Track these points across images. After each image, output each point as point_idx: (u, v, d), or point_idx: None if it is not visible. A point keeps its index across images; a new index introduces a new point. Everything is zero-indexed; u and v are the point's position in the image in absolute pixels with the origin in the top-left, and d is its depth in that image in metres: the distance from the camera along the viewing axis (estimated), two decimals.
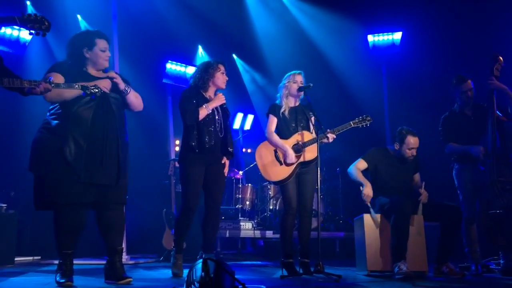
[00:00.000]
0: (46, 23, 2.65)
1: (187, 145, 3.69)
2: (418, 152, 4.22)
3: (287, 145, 3.90)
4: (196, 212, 3.81)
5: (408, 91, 6.87)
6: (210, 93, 3.84)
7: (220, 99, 3.78)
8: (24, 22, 2.60)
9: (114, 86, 3.22)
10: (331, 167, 6.88)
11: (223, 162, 3.82)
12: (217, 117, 3.78)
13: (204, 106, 3.70)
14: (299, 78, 4.03)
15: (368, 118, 3.97)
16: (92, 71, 3.24)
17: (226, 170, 3.84)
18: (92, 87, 2.95)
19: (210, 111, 3.72)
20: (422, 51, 6.79)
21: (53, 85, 2.82)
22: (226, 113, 3.89)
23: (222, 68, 3.87)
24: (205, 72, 3.82)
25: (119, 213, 3.24)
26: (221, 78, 3.84)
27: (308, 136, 3.93)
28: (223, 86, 3.87)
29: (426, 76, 6.67)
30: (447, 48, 6.65)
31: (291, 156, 3.85)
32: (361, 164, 4.23)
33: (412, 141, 4.11)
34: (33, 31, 2.63)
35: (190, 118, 3.67)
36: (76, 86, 2.91)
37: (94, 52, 3.20)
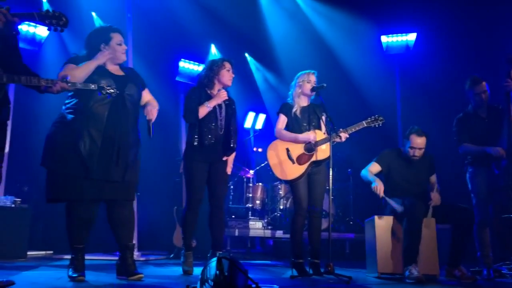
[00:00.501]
0: (64, 19, 2.68)
1: (189, 142, 3.75)
2: (432, 153, 4.18)
3: (301, 135, 3.91)
4: (205, 210, 3.82)
5: (421, 93, 6.81)
6: (215, 90, 3.86)
7: (221, 97, 3.77)
8: (43, 18, 2.62)
9: (132, 82, 3.25)
10: (343, 168, 6.84)
11: (224, 159, 3.81)
12: (219, 114, 3.79)
13: (205, 104, 3.71)
14: (313, 78, 4.02)
15: (381, 118, 3.95)
16: (110, 66, 3.26)
17: (228, 168, 3.85)
18: (108, 88, 2.98)
19: (211, 109, 3.72)
20: (437, 53, 6.72)
21: (69, 84, 2.84)
22: (231, 110, 3.89)
23: (227, 65, 3.87)
24: (210, 70, 3.84)
25: (129, 209, 3.26)
26: (226, 75, 3.84)
27: (320, 135, 3.92)
28: (228, 83, 3.87)
29: (440, 79, 6.61)
30: (462, 50, 6.57)
31: (308, 135, 3.84)
32: (375, 167, 4.20)
33: (415, 140, 4.06)
34: (51, 27, 2.65)
35: (189, 117, 3.72)
36: (92, 86, 2.92)
37: (111, 46, 3.21)
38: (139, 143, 3.32)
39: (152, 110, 3.28)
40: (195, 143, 3.70)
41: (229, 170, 3.87)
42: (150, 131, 3.20)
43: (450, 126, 4.32)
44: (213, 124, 3.75)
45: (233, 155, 3.93)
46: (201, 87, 3.86)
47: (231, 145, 3.81)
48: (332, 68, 7.19)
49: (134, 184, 3.27)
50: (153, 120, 3.26)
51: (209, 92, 3.84)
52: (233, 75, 3.89)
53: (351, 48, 7.34)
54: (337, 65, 7.40)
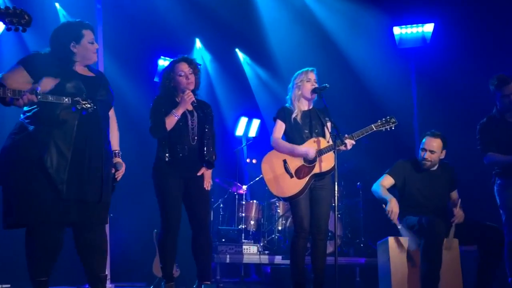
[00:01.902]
0: (27, 17, 2.66)
1: (159, 158, 3.77)
2: (452, 163, 4.24)
3: (300, 147, 3.95)
4: (187, 233, 3.83)
5: (441, 93, 6.85)
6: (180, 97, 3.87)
7: (187, 100, 3.75)
8: (2, 16, 2.61)
9: (104, 86, 3.27)
10: (351, 181, 6.89)
11: (199, 174, 3.82)
12: (190, 122, 3.81)
13: (171, 113, 3.74)
14: (313, 76, 4.08)
15: (393, 120, 4.01)
16: (78, 68, 3.26)
17: (206, 183, 3.85)
18: (84, 102, 2.98)
19: (179, 117, 3.75)
20: (458, 47, 6.75)
21: (39, 96, 2.81)
22: (203, 114, 3.90)
23: (182, 67, 3.85)
24: (167, 75, 3.88)
25: (101, 234, 3.24)
26: (182, 81, 3.83)
27: (324, 143, 3.96)
28: (189, 87, 3.84)
29: (462, 77, 6.60)
30: (488, 43, 6.62)
31: (308, 150, 3.88)
32: (387, 180, 4.26)
33: (427, 141, 4.19)
34: (11, 26, 2.64)
35: (156, 131, 3.75)
36: (66, 100, 2.92)
37: (83, 45, 3.18)
38: (111, 156, 3.33)
39: (123, 169, 3.35)
40: (166, 158, 3.74)
41: (207, 185, 3.87)
42: (113, 189, 3.27)
43: (474, 130, 4.39)
44: (184, 135, 3.77)
45: (211, 170, 3.93)
46: (165, 94, 3.88)
47: (205, 157, 3.81)
48: (336, 65, 7.25)
49: (108, 204, 3.27)
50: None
51: (176, 99, 3.86)
52: (191, 78, 3.83)
53: (358, 42, 7.39)
54: (342, 61, 7.46)
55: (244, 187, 6.90)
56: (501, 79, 4.25)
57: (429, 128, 4.39)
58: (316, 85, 4.06)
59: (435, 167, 4.28)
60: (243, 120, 8.17)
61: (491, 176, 4.34)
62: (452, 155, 4.27)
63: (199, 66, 3.98)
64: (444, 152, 4.27)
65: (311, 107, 4.15)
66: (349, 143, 3.84)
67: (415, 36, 6.89)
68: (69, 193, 3.00)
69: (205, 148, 3.82)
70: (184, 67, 3.87)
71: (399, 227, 4.01)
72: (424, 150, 4.20)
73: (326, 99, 3.98)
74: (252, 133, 8.24)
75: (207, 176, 3.87)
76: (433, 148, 4.16)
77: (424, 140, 4.24)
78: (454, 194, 4.30)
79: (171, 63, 3.93)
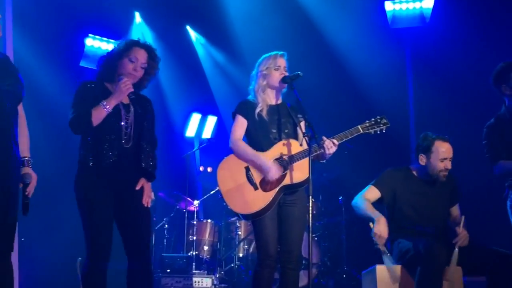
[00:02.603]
0: None
1: (81, 162, 3.68)
2: (454, 173, 4.33)
3: (263, 156, 3.94)
4: (120, 261, 3.79)
5: (442, 84, 6.98)
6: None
7: (122, 90, 3.68)
8: None
9: (10, 72, 3.20)
10: (331, 194, 6.96)
11: (137, 188, 3.76)
12: (124, 118, 3.75)
13: (100, 104, 3.70)
14: (282, 63, 4.08)
15: (384, 121, 4.03)
16: None
17: (146, 198, 3.81)
18: None
19: (110, 111, 3.71)
20: (463, 28, 6.85)
21: None
22: (142, 111, 3.85)
23: (139, 54, 3.79)
24: (114, 56, 3.78)
25: (5, 264, 3.20)
26: (127, 66, 3.77)
27: (296, 147, 3.96)
28: (135, 74, 3.79)
29: (468, 64, 6.72)
30: (499, 23, 6.73)
31: (271, 168, 3.86)
32: (372, 192, 4.31)
33: (444, 148, 4.24)
34: None
35: (77, 125, 3.64)
36: None
37: None
38: (20, 165, 3.29)
39: (33, 182, 3.31)
40: (90, 164, 3.68)
41: (146, 200, 3.83)
42: (27, 209, 3.21)
43: (481, 134, 4.45)
44: (116, 134, 3.74)
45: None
46: (99, 80, 3.82)
47: (143, 165, 3.76)
48: (313, 49, 7.32)
49: (14, 225, 3.22)
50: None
51: (109, 87, 3.81)
52: (140, 64, 3.77)
53: (341, 20, 7.45)
54: (321, 44, 7.53)
55: (196, 202, 6.89)
56: (508, 67, 4.31)
57: (426, 127, 4.47)
58: (287, 73, 4.08)
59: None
60: (195, 118, 8.16)
61: (503, 189, 4.40)
62: (454, 162, 4.34)
63: (158, 64, 3.93)
64: None
65: (279, 101, 4.16)
66: (329, 146, 3.85)
67: (412, 13, 6.96)
68: None
69: (142, 154, 3.79)
70: (141, 56, 3.81)
71: (383, 255, 4.06)
72: (445, 159, 4.24)
73: (300, 91, 3.98)
74: (207, 133, 8.25)
75: (147, 189, 3.83)
76: (451, 155, 4.27)
77: (438, 148, 4.23)
78: (455, 210, 4.40)
79: (125, 42, 3.86)
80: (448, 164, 4.26)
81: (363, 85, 7.37)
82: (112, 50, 3.90)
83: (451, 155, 4.26)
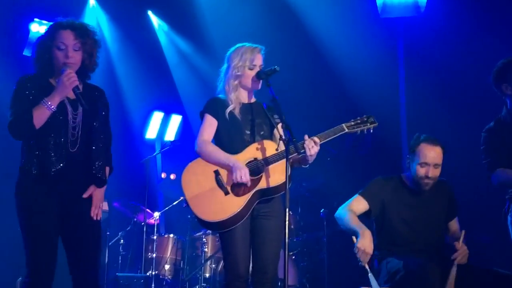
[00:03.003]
0: None
1: (23, 170, 3.65)
2: (451, 182, 4.37)
3: (233, 158, 3.94)
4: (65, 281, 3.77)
5: (437, 80, 7.05)
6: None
7: (65, 85, 3.62)
8: None
9: None
10: (311, 207, 6.97)
11: (85, 196, 3.75)
12: (70, 117, 3.72)
13: (42, 103, 3.66)
14: (258, 58, 4.08)
15: (371, 120, 4.06)
16: None
17: (95, 209, 3.78)
18: None
19: (55, 109, 3.67)
20: (463, 19, 6.91)
21: None
22: (92, 104, 3.81)
23: (64, 36, 3.72)
24: (42, 46, 3.74)
25: None
26: (59, 56, 3.71)
27: (272, 148, 3.97)
28: (72, 62, 3.71)
29: (466, 59, 6.80)
30: (501, 13, 6.83)
31: (240, 168, 3.85)
32: (359, 204, 4.32)
33: (427, 151, 4.22)
34: None
35: (18, 129, 3.60)
36: None
37: None
38: None
39: None
40: (34, 172, 3.64)
41: (95, 212, 3.82)
42: None
43: (479, 138, 4.49)
44: (61, 138, 3.68)
45: (102, 189, 3.87)
46: (41, 75, 3.77)
47: (93, 170, 3.75)
48: (294, 40, 7.34)
49: None
50: None
51: (52, 82, 3.75)
52: (71, 52, 3.69)
53: (325, 8, 7.48)
54: (303, 34, 7.56)
55: (156, 214, 6.86)
56: (508, 65, 4.35)
57: (420, 130, 4.50)
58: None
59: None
60: (157, 117, 8.14)
61: (504, 202, 4.44)
62: (449, 168, 4.38)
63: (94, 37, 3.92)
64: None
65: (253, 99, 4.18)
66: (310, 144, 3.86)
67: (405, 2, 7.01)
68: None
69: (93, 157, 3.76)
70: (67, 38, 3.75)
71: (369, 274, 4.07)
72: (426, 164, 4.22)
73: (277, 88, 3.99)
74: (170, 135, 8.22)
75: (98, 198, 3.80)
76: (436, 160, 4.23)
77: (420, 151, 4.25)
78: (454, 225, 4.44)
79: (49, 29, 3.84)
80: (430, 171, 4.23)
81: (349, 81, 7.41)
82: (37, 40, 3.83)
83: (436, 161, 4.23)
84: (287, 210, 3.68)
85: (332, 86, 7.50)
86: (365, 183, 4.46)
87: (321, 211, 6.84)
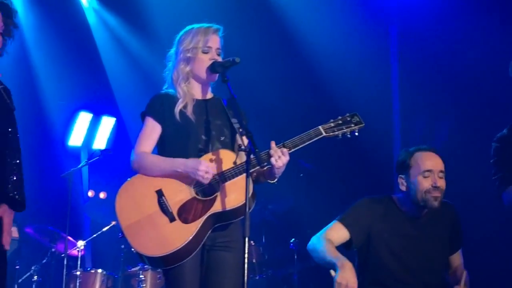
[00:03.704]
0: None
1: None
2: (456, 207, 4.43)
3: (182, 160, 3.92)
4: None
5: (437, 76, 7.13)
6: None
7: None
8: None
9: None
10: (279, 235, 7.00)
11: None
12: None
13: None
14: (215, 43, 4.09)
15: (356, 119, 4.05)
16: None
17: (5, 237, 3.80)
18: None
19: None
20: (468, 2, 7.03)
21: None
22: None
23: None
24: None
25: None
26: None
27: (229, 161, 3.95)
28: None
29: (475, 51, 6.86)
30: None
31: (199, 163, 3.84)
32: (338, 231, 4.32)
33: (426, 158, 4.28)
34: None
35: None
36: None
37: None
38: None
39: None
40: None
41: (6, 241, 3.82)
42: None
43: (488, 148, 4.58)
44: None
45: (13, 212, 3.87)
46: None
47: (7, 190, 3.75)
48: (263, 24, 7.37)
49: None
50: None
51: None
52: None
53: None
54: (274, 17, 7.60)
55: (81, 243, 6.83)
56: None
57: (416, 136, 4.55)
58: (219, 58, 4.10)
59: (426, 210, 4.36)
60: (84, 118, 8.10)
61: None
62: (449, 185, 4.38)
63: (10, 6, 3.88)
64: None
65: (209, 95, 4.20)
66: (276, 154, 3.85)
67: None
68: None
69: (3, 172, 3.75)
70: None
71: None
72: (430, 172, 4.25)
73: (241, 85, 4.01)
74: (100, 142, 8.20)
75: (7, 223, 3.80)
76: (442, 167, 4.28)
77: (421, 160, 4.29)
78: (457, 259, 4.47)
79: None
80: (439, 181, 4.25)
81: (332, 76, 7.48)
82: None
83: (439, 167, 4.28)
84: (246, 240, 3.62)
85: (311, 82, 7.56)
86: (347, 205, 4.45)
87: (291, 241, 6.88)
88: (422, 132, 6.22)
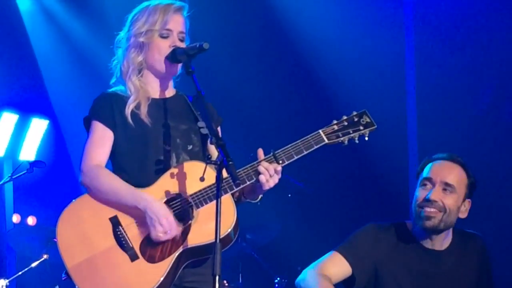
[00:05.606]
0: None
1: None
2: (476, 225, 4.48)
3: (148, 195, 3.90)
4: None
5: (459, 71, 7.28)
6: None
7: None
8: None
9: None
10: (260, 272, 7.04)
11: None
12: None
13: None
14: (178, 25, 4.11)
15: (366, 119, 4.09)
16: None
17: None
18: None
19: None
20: None
21: None
22: None
23: None
24: None
25: None
26: None
27: (204, 175, 3.93)
28: None
29: (495, 44, 7.05)
30: None
31: (162, 214, 3.81)
32: (336, 264, 4.35)
33: (433, 166, 4.31)
34: None
35: None
36: None
37: None
38: None
39: None
40: None
41: None
42: None
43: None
44: None
45: None
46: None
47: None
48: (257, 15, 7.46)
49: None
50: None
51: None
52: None
53: None
54: (269, 10, 7.69)
55: (3, 283, 6.84)
56: None
57: (434, 143, 4.60)
58: (183, 44, 4.11)
59: (447, 241, 4.44)
60: (8, 120, 8.11)
61: None
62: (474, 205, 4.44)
63: None
64: (467, 203, 4.40)
65: (172, 92, 4.24)
66: (267, 172, 3.80)
67: None
68: None
69: None
70: None
71: None
72: (428, 181, 4.27)
73: (216, 79, 4.04)
74: (29, 152, 8.21)
75: None
76: (449, 179, 4.30)
77: (423, 167, 4.36)
78: None
79: None
80: (434, 193, 4.23)
81: (334, 71, 7.60)
82: None
83: (445, 178, 4.27)
84: (216, 279, 3.53)
85: (306, 76, 7.65)
86: (348, 233, 4.49)
87: (276, 281, 6.93)
88: (441, 139, 6.26)
